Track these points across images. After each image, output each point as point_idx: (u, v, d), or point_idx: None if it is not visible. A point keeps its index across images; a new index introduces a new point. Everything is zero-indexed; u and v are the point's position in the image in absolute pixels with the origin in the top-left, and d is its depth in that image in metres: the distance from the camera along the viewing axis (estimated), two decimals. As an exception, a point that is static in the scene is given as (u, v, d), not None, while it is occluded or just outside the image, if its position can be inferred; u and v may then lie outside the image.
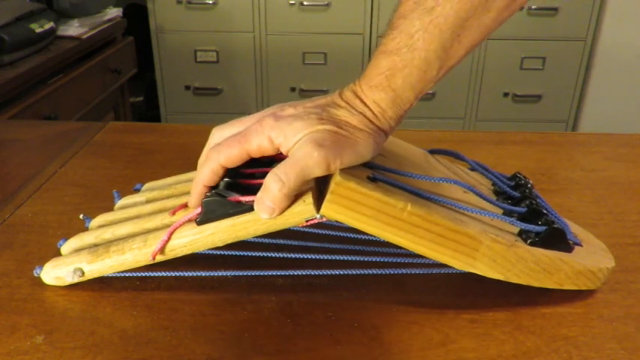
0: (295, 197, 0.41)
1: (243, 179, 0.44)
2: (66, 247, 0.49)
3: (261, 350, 0.40)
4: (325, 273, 0.47)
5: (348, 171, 0.40)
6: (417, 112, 2.20)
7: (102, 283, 0.46)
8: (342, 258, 0.46)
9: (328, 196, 0.39)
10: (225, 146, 0.42)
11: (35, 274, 0.46)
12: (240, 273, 0.47)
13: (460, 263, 0.41)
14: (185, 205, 0.47)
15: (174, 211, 0.47)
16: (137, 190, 0.58)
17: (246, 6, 2.14)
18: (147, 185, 0.59)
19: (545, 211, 0.47)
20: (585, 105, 2.30)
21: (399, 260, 0.46)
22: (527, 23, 2.16)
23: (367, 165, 0.43)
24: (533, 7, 2.13)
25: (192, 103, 2.31)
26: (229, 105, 2.30)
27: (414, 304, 0.45)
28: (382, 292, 0.47)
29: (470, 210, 0.43)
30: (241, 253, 0.46)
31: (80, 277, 0.45)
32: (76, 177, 0.65)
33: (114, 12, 1.88)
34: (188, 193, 0.51)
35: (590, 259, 0.46)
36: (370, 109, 0.42)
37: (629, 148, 0.77)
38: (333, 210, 0.39)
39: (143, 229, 0.47)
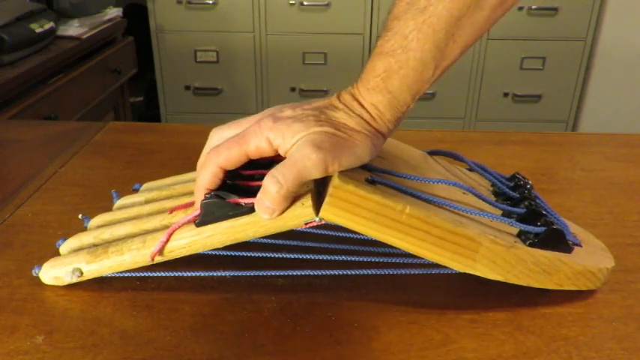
0: (294, 200, 0.41)
1: (242, 181, 0.44)
2: (64, 247, 0.48)
3: (261, 350, 0.40)
4: (325, 273, 0.47)
5: (347, 174, 0.40)
6: (416, 113, 2.20)
7: (102, 283, 0.46)
8: (341, 258, 0.46)
9: (327, 199, 0.39)
10: (223, 148, 0.42)
11: (34, 274, 0.46)
12: (240, 273, 0.47)
13: (460, 265, 0.41)
14: (183, 206, 0.47)
15: (171, 211, 0.47)
16: (136, 190, 0.58)
17: (246, 6, 2.14)
18: (145, 185, 0.59)
19: (544, 212, 0.47)
20: (585, 105, 2.30)
21: (398, 260, 0.46)
22: (527, 23, 2.16)
23: (365, 167, 0.43)
24: (533, 7, 2.13)
25: (192, 103, 2.31)
26: (229, 105, 2.30)
27: (414, 304, 0.45)
28: (382, 292, 0.46)
29: (469, 211, 0.43)
30: (241, 254, 0.46)
31: (79, 277, 0.45)
32: (76, 177, 0.65)
33: (114, 12, 1.88)
34: (187, 193, 0.51)
35: (589, 260, 0.46)
36: (368, 112, 0.42)
37: (629, 148, 0.77)
38: (332, 213, 0.39)
39: (142, 230, 0.47)
